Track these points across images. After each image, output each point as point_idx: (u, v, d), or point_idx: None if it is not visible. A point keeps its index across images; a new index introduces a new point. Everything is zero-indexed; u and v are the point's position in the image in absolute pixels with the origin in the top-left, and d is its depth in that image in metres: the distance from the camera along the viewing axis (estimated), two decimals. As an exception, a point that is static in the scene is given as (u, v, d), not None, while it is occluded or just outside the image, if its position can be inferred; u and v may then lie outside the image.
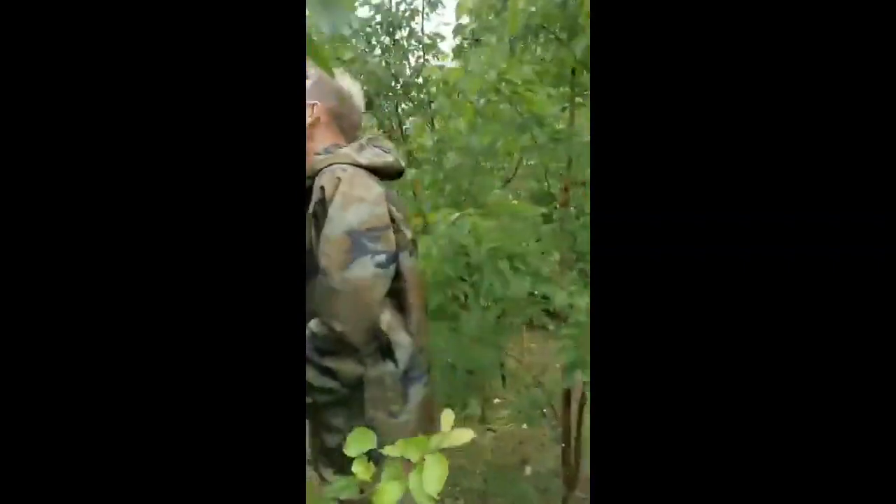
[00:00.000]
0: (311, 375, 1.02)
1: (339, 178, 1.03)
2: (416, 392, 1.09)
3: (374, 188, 1.06)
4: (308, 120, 1.16)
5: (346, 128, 1.20)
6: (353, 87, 1.22)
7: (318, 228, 1.03)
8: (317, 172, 1.08)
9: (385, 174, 1.13)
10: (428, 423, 1.12)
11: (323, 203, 1.03)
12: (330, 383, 1.03)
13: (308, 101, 1.15)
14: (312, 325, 1.02)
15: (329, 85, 1.18)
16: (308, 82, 1.18)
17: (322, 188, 1.04)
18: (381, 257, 0.99)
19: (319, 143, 1.16)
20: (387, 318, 1.04)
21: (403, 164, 1.20)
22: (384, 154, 1.14)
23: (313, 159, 1.13)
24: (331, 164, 1.08)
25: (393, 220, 1.06)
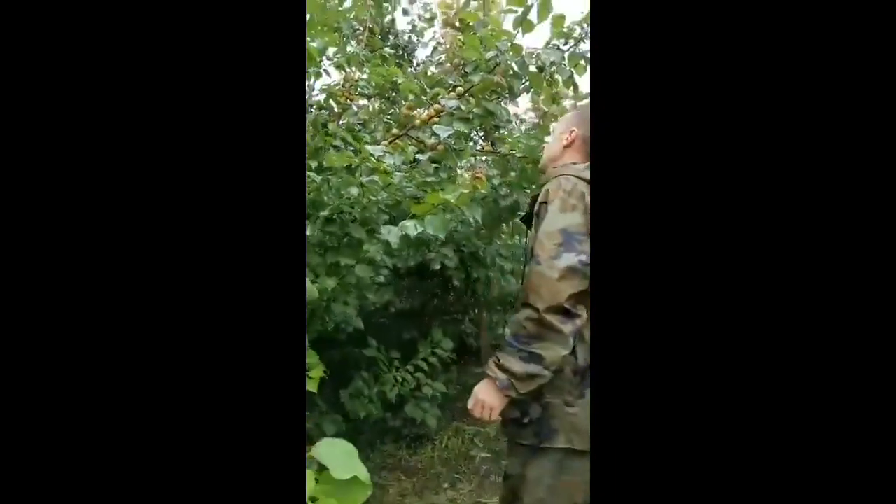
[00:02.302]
0: (517, 366, 1.18)
1: (562, 187, 1.25)
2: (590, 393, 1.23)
3: (588, 199, 1.23)
4: (565, 141, 1.42)
5: None
6: None
7: (538, 226, 1.26)
8: (549, 180, 1.31)
9: None
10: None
11: (546, 204, 1.26)
12: (533, 369, 1.18)
13: (569, 127, 1.43)
14: (519, 316, 1.21)
15: (588, 115, 1.40)
16: (572, 112, 1.49)
17: (548, 191, 1.27)
18: (584, 257, 1.18)
19: (569, 159, 1.40)
20: (583, 317, 1.20)
21: None
22: None
23: (550, 171, 1.40)
24: (560, 175, 1.30)
25: None
